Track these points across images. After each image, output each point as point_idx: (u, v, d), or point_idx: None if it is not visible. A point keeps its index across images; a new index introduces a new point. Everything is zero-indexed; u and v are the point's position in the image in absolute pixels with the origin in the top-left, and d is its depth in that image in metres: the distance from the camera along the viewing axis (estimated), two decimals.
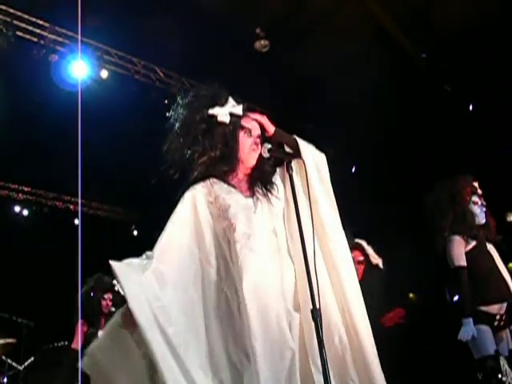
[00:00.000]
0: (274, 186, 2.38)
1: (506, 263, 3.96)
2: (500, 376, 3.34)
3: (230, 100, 2.36)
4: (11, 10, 6.18)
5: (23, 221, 9.43)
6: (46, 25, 6.46)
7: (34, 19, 6.38)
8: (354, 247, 3.80)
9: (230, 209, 2.17)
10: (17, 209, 9.34)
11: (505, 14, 6.36)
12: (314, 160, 2.39)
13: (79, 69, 6.66)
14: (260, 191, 2.33)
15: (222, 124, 2.26)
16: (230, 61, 7.23)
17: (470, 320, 3.61)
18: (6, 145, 7.60)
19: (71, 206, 9.77)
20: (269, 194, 2.33)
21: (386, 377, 2.20)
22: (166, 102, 7.64)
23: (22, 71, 6.60)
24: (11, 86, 6.61)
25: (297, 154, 2.38)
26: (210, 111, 2.27)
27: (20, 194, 9.33)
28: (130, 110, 7.55)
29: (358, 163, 9.00)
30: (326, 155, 2.47)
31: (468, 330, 3.57)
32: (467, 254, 3.87)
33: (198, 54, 7.08)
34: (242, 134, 2.34)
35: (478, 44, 6.70)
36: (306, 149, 2.40)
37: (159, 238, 2.11)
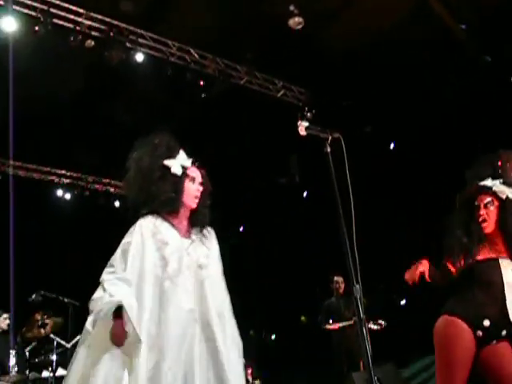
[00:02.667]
0: (209, 229, 2.80)
1: None
2: None
3: (181, 153, 2.77)
4: None
5: (66, 204, 9.72)
6: (81, 11, 6.54)
7: (69, 6, 6.48)
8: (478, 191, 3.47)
9: (168, 246, 2.59)
10: (59, 193, 9.63)
11: None
12: None
13: (113, 54, 6.74)
14: (196, 233, 2.74)
15: (174, 174, 2.68)
16: (265, 40, 7.18)
17: None
18: (50, 132, 7.80)
19: (111, 189, 10.00)
20: (203, 238, 2.74)
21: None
22: (202, 83, 7.66)
23: (60, 58, 6.72)
24: (50, 72, 6.75)
25: None
26: (165, 162, 2.69)
27: (62, 179, 9.60)
28: (165, 92, 7.62)
29: (397, 139, 8.86)
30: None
31: None
32: None
33: (233, 34, 7.05)
34: (187, 182, 2.73)
35: None
36: None
37: (128, 262, 2.50)
